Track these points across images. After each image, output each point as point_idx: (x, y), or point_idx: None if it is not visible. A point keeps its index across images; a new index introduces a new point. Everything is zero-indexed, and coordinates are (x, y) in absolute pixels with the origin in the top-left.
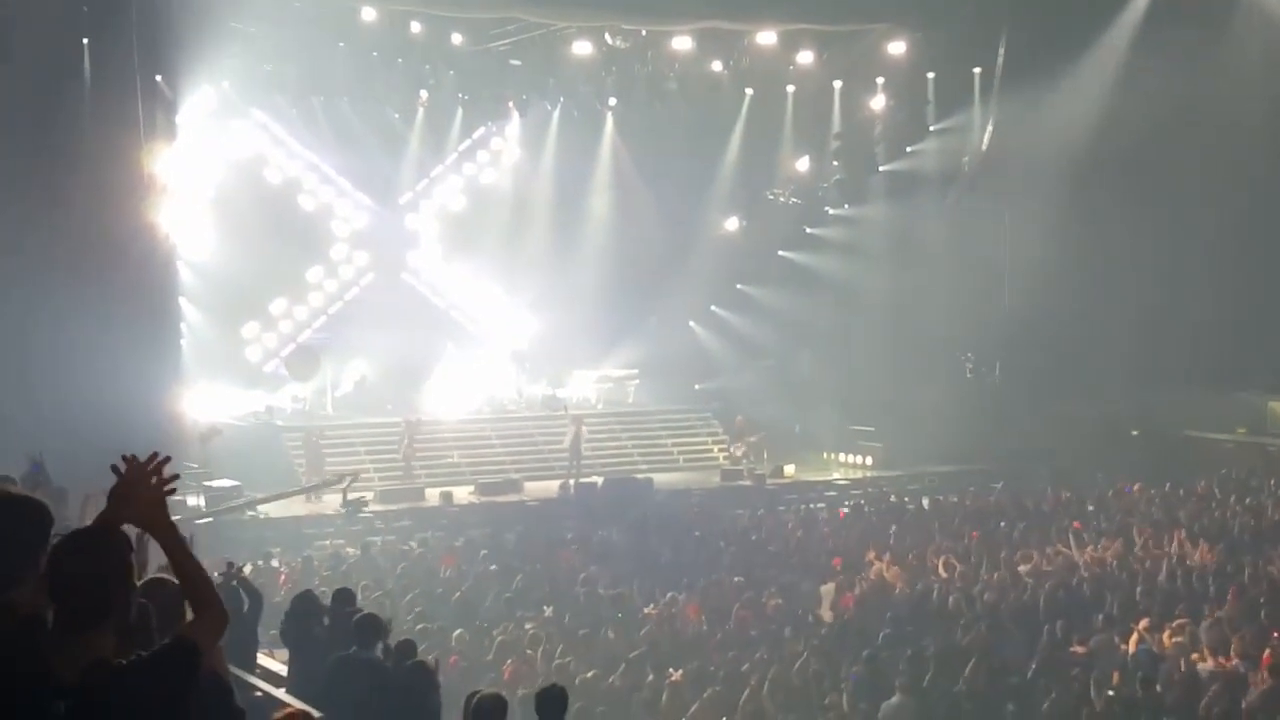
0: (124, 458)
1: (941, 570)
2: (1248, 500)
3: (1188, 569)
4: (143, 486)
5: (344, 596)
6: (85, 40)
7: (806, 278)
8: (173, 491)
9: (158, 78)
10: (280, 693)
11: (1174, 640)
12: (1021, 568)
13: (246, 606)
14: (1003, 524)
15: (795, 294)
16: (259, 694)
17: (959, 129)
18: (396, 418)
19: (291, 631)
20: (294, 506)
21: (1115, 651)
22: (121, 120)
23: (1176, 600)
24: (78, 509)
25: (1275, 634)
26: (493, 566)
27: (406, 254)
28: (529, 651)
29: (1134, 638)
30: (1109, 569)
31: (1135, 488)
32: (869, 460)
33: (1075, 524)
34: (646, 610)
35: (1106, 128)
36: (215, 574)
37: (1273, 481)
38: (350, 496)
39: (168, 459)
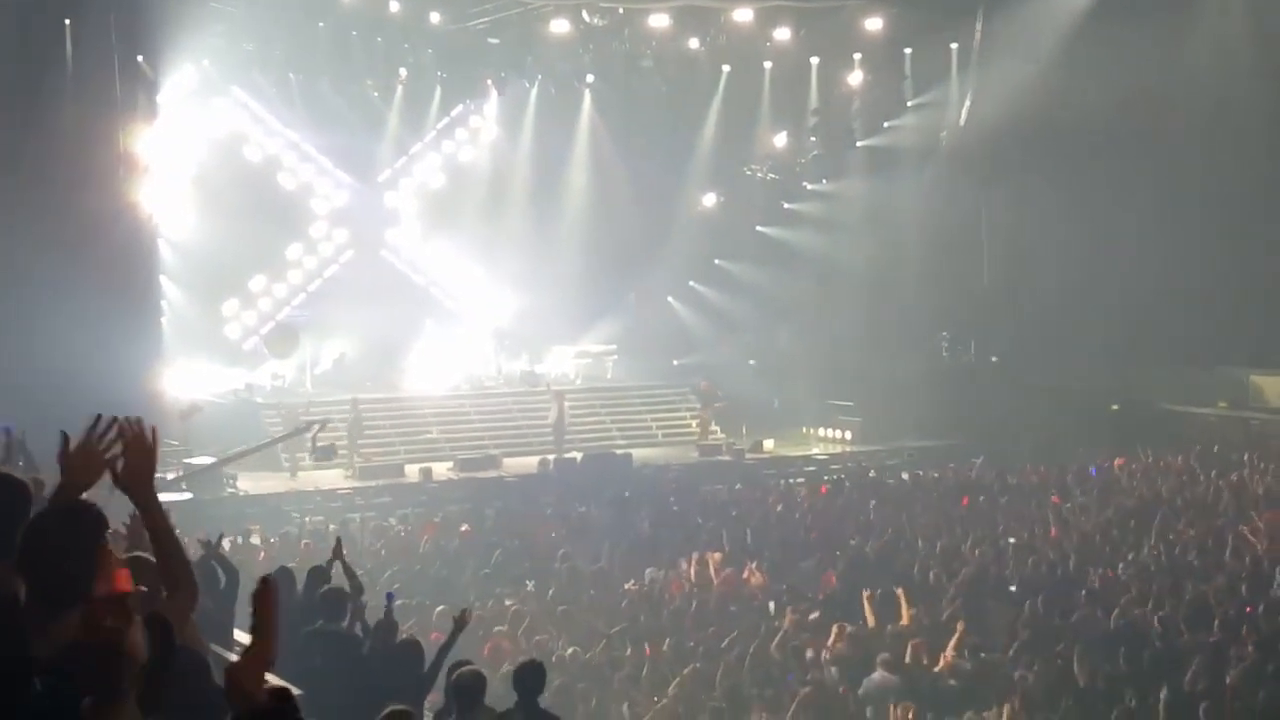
0: (115, 420)
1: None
2: (1233, 477)
3: (1170, 543)
4: (146, 454)
5: (319, 574)
6: (66, 21)
7: (785, 253)
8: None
9: (139, 57)
10: None
11: (1156, 614)
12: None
13: (224, 583)
14: (982, 498)
15: (774, 269)
16: None
17: (936, 104)
18: (377, 394)
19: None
20: (274, 483)
21: (1098, 626)
22: (103, 101)
23: (1159, 574)
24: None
25: (1249, 609)
26: (464, 527)
27: (386, 231)
28: (508, 628)
29: (1115, 612)
30: (1091, 543)
31: (1117, 463)
32: (848, 435)
33: (1054, 498)
34: (626, 586)
35: (1085, 102)
36: (195, 546)
37: (1255, 456)
38: (319, 444)
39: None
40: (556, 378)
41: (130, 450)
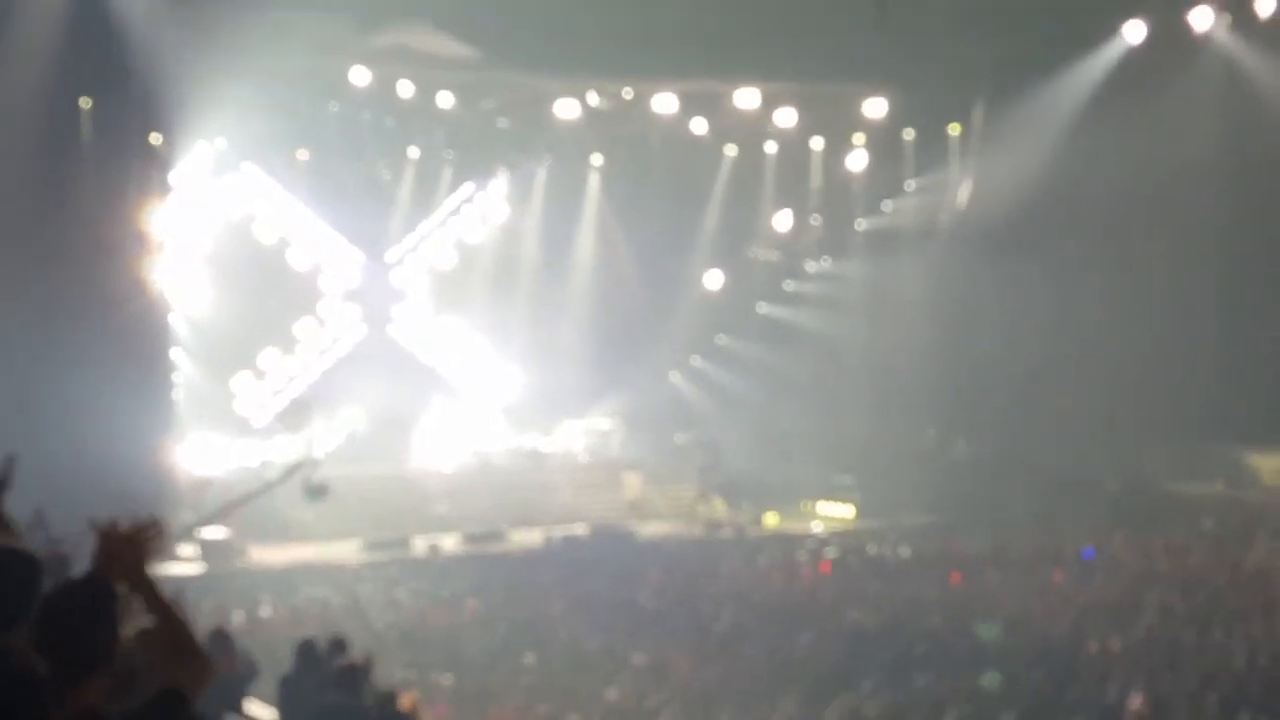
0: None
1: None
2: (1226, 554)
3: (1166, 620)
4: (128, 548)
5: (336, 646)
6: (84, 101)
7: (787, 332)
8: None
9: (154, 137)
10: None
11: (1153, 690)
12: None
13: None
14: (981, 573)
15: (776, 347)
16: None
17: (936, 186)
18: (388, 468)
19: (289, 682)
20: (284, 556)
21: (1096, 702)
22: (118, 179)
23: (1156, 651)
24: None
25: None
26: (470, 601)
27: (395, 309)
28: (514, 701)
29: (1114, 688)
30: (1088, 619)
31: (1119, 540)
32: (849, 510)
33: (1057, 575)
34: (631, 660)
35: (1081, 185)
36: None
37: (1252, 535)
38: (314, 483)
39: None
40: (564, 453)
41: (113, 542)
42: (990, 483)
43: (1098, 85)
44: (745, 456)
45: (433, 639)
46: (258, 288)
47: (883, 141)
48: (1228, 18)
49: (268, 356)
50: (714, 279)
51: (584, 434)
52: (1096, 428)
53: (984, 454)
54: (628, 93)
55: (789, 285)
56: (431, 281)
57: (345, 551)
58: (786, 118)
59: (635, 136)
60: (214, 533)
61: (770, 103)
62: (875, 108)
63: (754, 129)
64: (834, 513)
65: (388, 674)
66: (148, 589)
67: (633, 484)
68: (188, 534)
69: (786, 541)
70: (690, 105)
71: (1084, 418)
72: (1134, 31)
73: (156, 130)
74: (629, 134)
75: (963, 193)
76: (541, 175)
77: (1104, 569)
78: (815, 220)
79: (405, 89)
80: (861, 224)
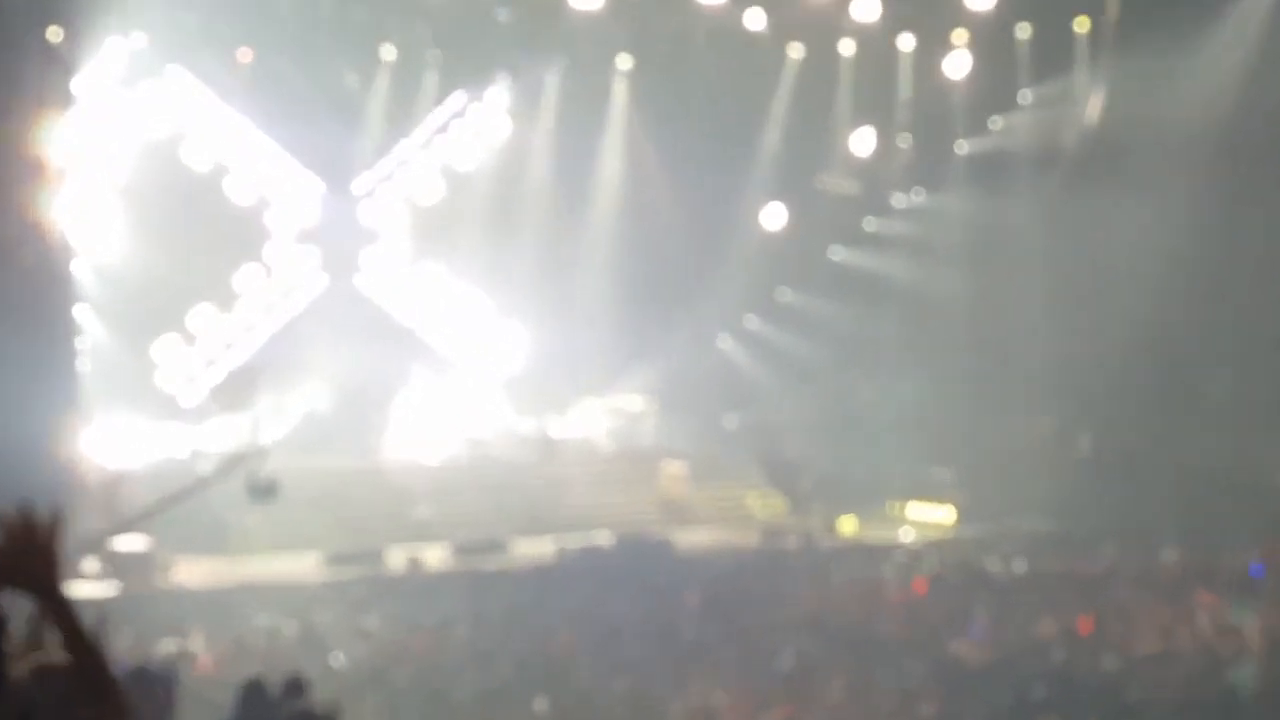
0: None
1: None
2: None
3: None
4: (36, 546)
5: (293, 688)
6: None
7: (867, 284)
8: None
9: (52, 32)
10: None
11: None
12: None
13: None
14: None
15: (853, 304)
16: None
17: (1060, 98)
18: (354, 461)
19: None
20: (219, 572)
21: None
22: (6, 88)
23: None
24: None
25: None
26: (461, 629)
27: (364, 253)
28: None
29: None
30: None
31: None
32: (948, 513)
33: (1205, 596)
34: (670, 708)
35: (1252, 98)
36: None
37: None
38: (260, 479)
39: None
40: (582, 441)
41: (14, 543)
42: (1125, 482)
43: None
44: (814, 444)
45: (413, 679)
46: (187, 227)
47: (990, 41)
48: None
49: (200, 315)
50: (774, 216)
51: (608, 416)
52: (1261, 415)
53: (1118, 445)
54: None
55: (870, 224)
56: (411, 219)
57: (300, 567)
58: (868, 9)
59: (674, 33)
60: (130, 543)
61: None
62: None
63: (826, 24)
64: (929, 517)
65: None
66: (58, 604)
67: (674, 477)
68: (97, 545)
69: (868, 553)
70: None
71: (1246, 402)
72: None
73: (55, 23)
74: (666, 29)
75: (1093, 107)
76: (553, 82)
77: (1275, 590)
78: (904, 142)
79: None
80: (963, 146)
